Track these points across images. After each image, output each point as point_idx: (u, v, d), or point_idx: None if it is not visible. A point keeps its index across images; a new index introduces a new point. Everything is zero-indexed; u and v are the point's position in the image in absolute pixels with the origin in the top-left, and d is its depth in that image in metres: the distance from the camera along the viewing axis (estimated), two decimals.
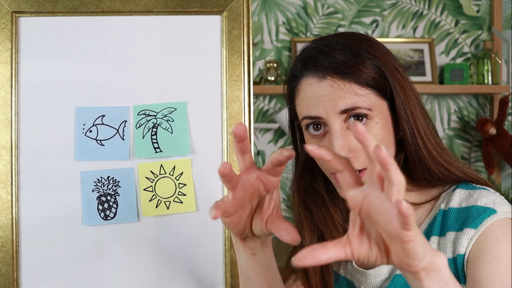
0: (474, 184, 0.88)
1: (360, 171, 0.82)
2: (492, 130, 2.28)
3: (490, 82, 2.36)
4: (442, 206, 0.87)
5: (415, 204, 0.89)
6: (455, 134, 2.47)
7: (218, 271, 0.93)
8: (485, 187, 0.87)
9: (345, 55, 0.82)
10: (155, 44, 0.94)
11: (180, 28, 0.94)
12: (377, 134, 0.82)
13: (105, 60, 0.94)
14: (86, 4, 0.93)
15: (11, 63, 0.92)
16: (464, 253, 0.81)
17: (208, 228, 0.93)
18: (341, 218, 0.92)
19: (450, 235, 0.83)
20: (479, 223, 0.81)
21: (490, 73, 2.36)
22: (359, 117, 0.81)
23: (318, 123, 0.83)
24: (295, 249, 0.98)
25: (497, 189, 2.18)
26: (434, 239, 0.85)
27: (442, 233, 0.85)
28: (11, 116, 0.92)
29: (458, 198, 0.86)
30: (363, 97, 0.81)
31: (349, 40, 0.84)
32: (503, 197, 0.86)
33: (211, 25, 0.94)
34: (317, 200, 0.93)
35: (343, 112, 0.81)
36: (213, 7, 0.93)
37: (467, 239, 0.81)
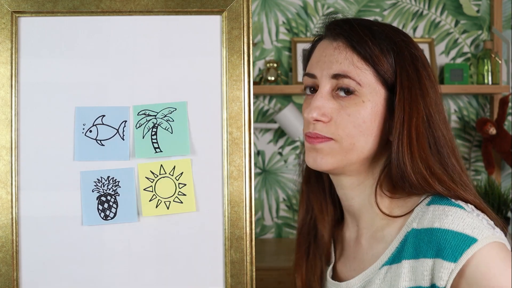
0: (450, 199, 0.81)
1: (322, 138, 0.84)
2: (492, 130, 2.28)
3: (490, 82, 2.36)
4: (414, 225, 0.81)
5: (390, 216, 0.84)
6: (455, 134, 2.47)
7: (218, 271, 0.93)
8: (460, 203, 0.80)
9: (362, 29, 0.82)
10: (155, 44, 0.94)
11: (180, 28, 0.94)
12: (359, 114, 0.81)
13: (105, 60, 0.94)
14: (86, 4, 0.93)
15: (11, 63, 0.92)
16: (445, 287, 0.76)
17: (208, 228, 0.93)
18: (333, 212, 0.94)
19: (426, 262, 0.77)
20: (459, 256, 0.74)
21: (490, 73, 2.36)
22: (346, 91, 0.82)
23: (314, 86, 0.86)
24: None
25: (498, 190, 2.18)
26: (406, 263, 0.79)
27: (415, 256, 0.79)
28: (11, 116, 0.92)
29: (431, 215, 0.79)
30: (358, 70, 0.81)
31: (380, 24, 0.85)
32: (482, 215, 0.79)
33: (211, 25, 0.94)
34: (318, 187, 0.95)
35: (334, 77, 0.83)
36: (213, 7, 0.93)
37: (447, 274, 0.75)
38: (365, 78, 0.81)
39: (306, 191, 0.96)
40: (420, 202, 0.83)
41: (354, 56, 0.82)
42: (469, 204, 0.81)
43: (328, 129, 0.83)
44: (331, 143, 0.84)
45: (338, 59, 0.82)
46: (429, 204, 0.81)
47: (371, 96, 0.81)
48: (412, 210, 0.83)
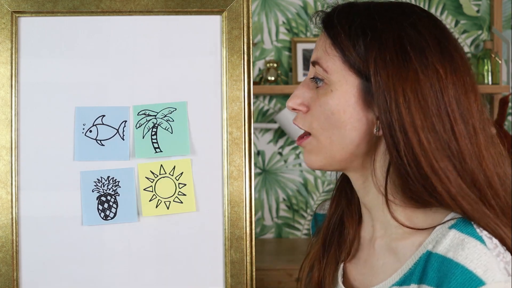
0: (474, 226, 0.71)
1: (303, 135, 0.81)
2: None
3: (490, 82, 2.36)
4: (430, 247, 0.73)
5: (409, 228, 0.76)
6: None
7: (218, 271, 0.93)
8: (483, 236, 0.70)
9: (339, 13, 0.78)
10: (155, 44, 0.94)
11: (180, 28, 0.94)
12: (327, 104, 0.76)
13: (105, 60, 0.94)
14: (86, 4, 0.93)
15: (11, 63, 0.92)
16: None
17: (208, 228, 0.93)
18: (356, 222, 0.90)
19: None
20: None
21: (490, 73, 2.36)
22: (318, 79, 0.78)
23: None
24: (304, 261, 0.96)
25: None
26: (414, 287, 0.74)
27: (421, 281, 0.73)
28: (11, 116, 0.92)
29: (449, 242, 0.71)
30: (328, 57, 0.77)
31: (369, 5, 0.78)
32: (504, 255, 0.70)
33: (211, 25, 0.94)
34: (348, 183, 0.90)
35: (312, 64, 0.79)
36: (213, 7, 0.93)
37: None
38: (332, 64, 0.76)
39: (339, 186, 0.93)
40: (444, 222, 0.74)
41: (327, 42, 0.77)
42: (493, 239, 0.71)
43: (305, 121, 0.80)
44: (310, 139, 0.81)
45: (317, 46, 0.80)
46: (451, 227, 0.73)
47: (339, 85, 0.75)
48: (433, 228, 0.75)
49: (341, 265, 0.89)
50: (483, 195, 0.72)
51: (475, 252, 0.68)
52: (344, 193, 0.92)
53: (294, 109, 0.82)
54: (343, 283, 0.88)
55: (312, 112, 0.79)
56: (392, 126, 0.71)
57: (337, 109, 0.76)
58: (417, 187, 0.72)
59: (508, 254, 0.71)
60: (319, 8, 2.47)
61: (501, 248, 0.70)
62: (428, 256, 0.73)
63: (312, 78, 0.80)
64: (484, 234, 0.71)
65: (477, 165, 0.72)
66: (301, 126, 0.81)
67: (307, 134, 0.82)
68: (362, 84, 0.75)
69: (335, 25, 0.76)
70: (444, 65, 0.73)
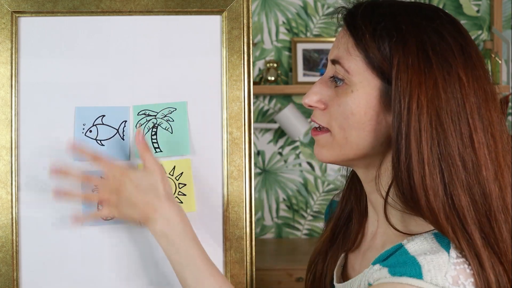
0: (451, 242, 0.70)
1: (319, 128, 0.80)
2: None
3: None
4: (405, 241, 0.74)
5: (400, 232, 0.76)
6: None
7: None
8: (452, 250, 0.69)
9: (364, 11, 0.76)
10: (155, 44, 0.94)
11: (180, 28, 0.94)
12: (347, 104, 0.75)
13: (105, 60, 0.94)
14: (86, 4, 0.93)
15: (11, 63, 0.92)
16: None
17: (208, 228, 0.93)
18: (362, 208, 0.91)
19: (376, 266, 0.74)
20: (396, 275, 0.69)
21: (490, 73, 2.36)
22: (338, 78, 0.77)
23: None
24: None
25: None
26: (377, 267, 0.75)
27: (383, 263, 0.74)
28: (11, 116, 0.92)
29: (419, 243, 0.72)
30: (350, 57, 0.76)
31: (394, 5, 0.76)
32: (466, 266, 0.68)
33: (211, 25, 0.94)
34: (358, 179, 0.90)
35: (332, 62, 0.78)
36: (213, 7, 0.93)
37: (377, 274, 0.72)
38: (354, 65, 0.75)
39: (348, 184, 0.93)
40: (432, 230, 0.74)
41: (350, 42, 0.75)
42: (462, 254, 0.69)
43: (324, 117, 0.79)
44: (327, 135, 0.80)
45: (338, 44, 0.78)
46: (434, 233, 0.73)
47: (361, 86, 0.74)
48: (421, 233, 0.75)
49: (343, 255, 0.90)
50: (493, 210, 0.71)
51: (436, 258, 0.68)
52: (354, 190, 0.93)
53: (310, 106, 0.81)
54: (343, 271, 0.89)
55: (329, 111, 0.78)
56: (399, 131, 0.71)
57: (357, 110, 0.75)
58: (406, 195, 0.72)
59: (470, 274, 0.68)
60: (319, 8, 2.47)
61: (466, 264, 0.69)
62: (399, 247, 0.73)
63: (331, 77, 0.79)
64: (456, 250, 0.70)
65: (493, 175, 0.71)
66: (320, 123, 0.80)
67: (324, 128, 0.81)
68: (384, 86, 0.74)
69: (359, 25, 0.75)
70: (466, 73, 0.72)
